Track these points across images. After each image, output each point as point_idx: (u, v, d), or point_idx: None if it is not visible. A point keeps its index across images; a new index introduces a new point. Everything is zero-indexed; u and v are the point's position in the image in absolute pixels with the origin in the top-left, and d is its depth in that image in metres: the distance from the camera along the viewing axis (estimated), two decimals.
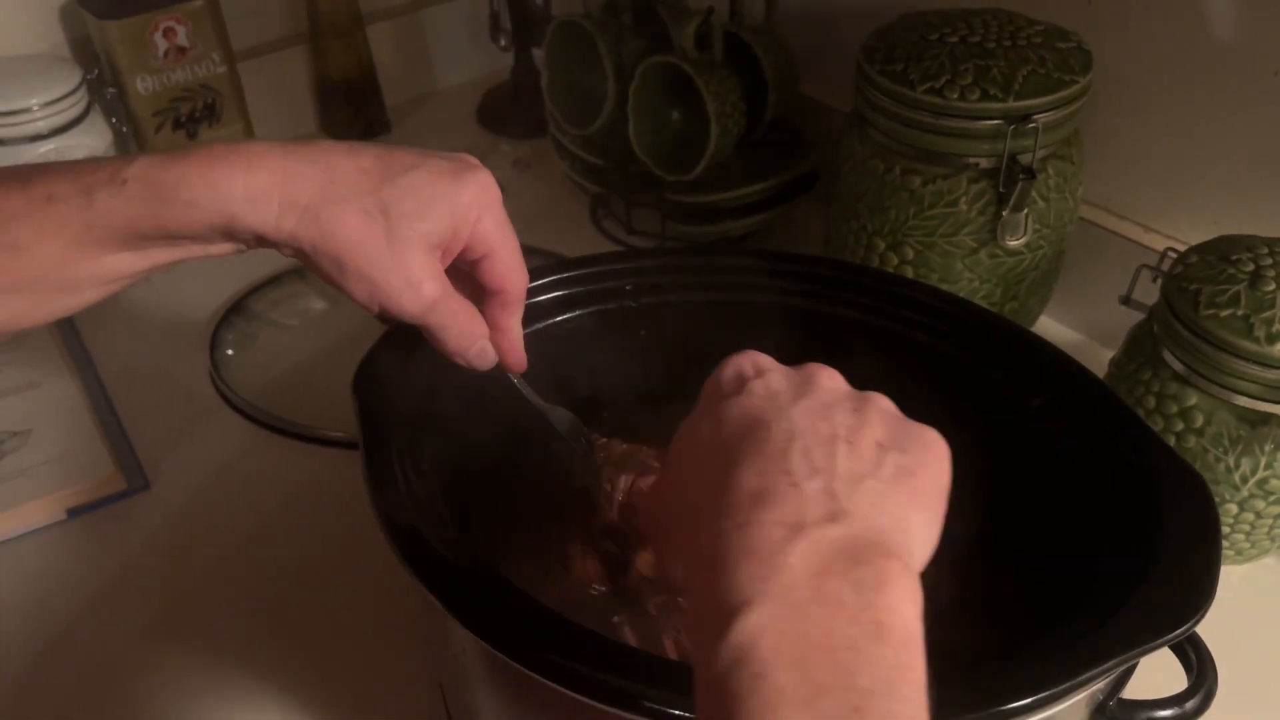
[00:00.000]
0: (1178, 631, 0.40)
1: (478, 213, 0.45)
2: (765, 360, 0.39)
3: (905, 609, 0.31)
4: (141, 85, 0.91)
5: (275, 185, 0.41)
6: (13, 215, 0.40)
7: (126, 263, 0.42)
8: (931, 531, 0.34)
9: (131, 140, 0.94)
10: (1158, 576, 0.42)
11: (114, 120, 0.90)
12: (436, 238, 0.44)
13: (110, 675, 0.60)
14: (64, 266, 0.41)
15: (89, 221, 0.40)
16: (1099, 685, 0.42)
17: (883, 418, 0.36)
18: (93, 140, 0.85)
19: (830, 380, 0.37)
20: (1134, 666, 0.44)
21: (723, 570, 0.31)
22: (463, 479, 0.54)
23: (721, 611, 0.30)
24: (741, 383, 0.37)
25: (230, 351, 0.83)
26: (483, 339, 0.48)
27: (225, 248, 0.44)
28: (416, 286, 0.44)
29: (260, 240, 0.43)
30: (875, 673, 0.29)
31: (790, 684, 0.28)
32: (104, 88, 0.91)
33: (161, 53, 0.90)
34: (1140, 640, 0.40)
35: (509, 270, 0.47)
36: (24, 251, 0.40)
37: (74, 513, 0.69)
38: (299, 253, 0.43)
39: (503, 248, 0.46)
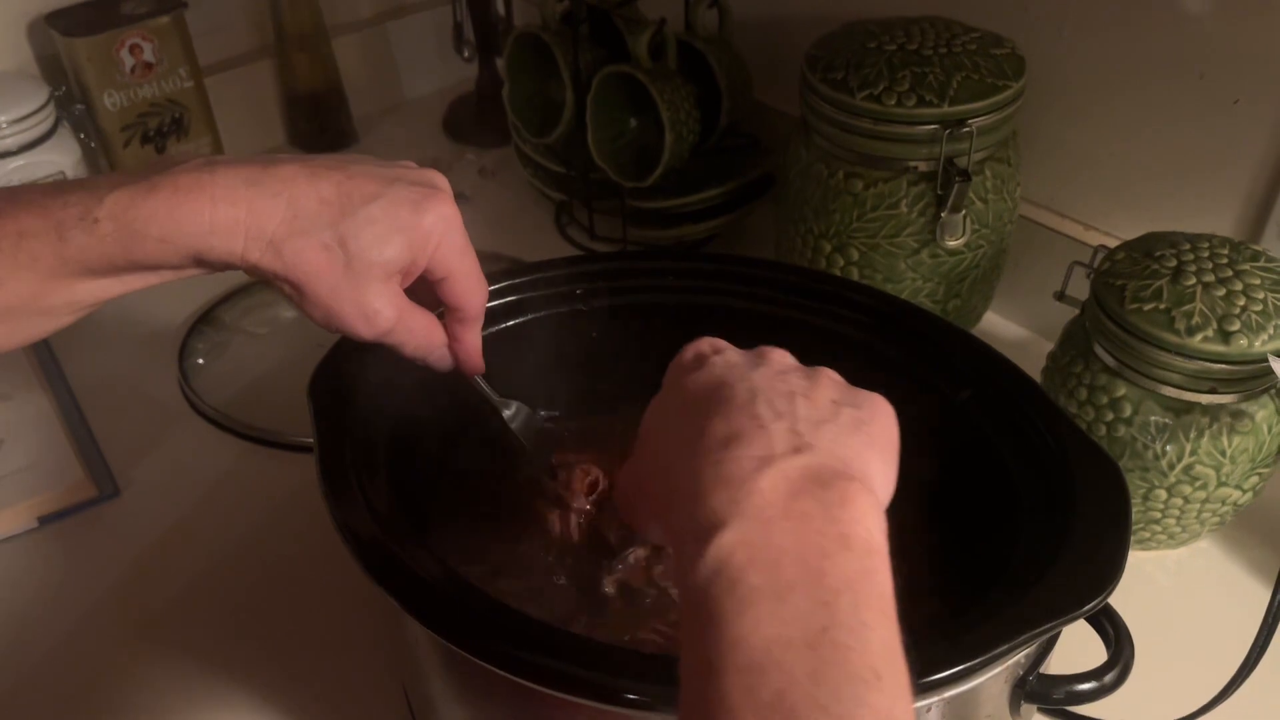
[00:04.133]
0: (1087, 606, 0.43)
1: (436, 241, 0.47)
2: (721, 342, 0.42)
3: (868, 522, 0.33)
4: (109, 101, 0.92)
5: (240, 219, 0.43)
6: None
7: (101, 289, 0.44)
8: (889, 474, 0.37)
9: (100, 155, 0.95)
10: (1071, 555, 0.45)
11: (82, 136, 0.92)
12: (395, 267, 0.46)
13: (82, 679, 0.62)
14: (39, 297, 0.43)
15: (62, 257, 0.42)
16: (1016, 659, 0.44)
17: (833, 383, 0.39)
18: (61, 156, 0.87)
19: (782, 356, 0.41)
20: (1052, 642, 0.47)
21: (700, 501, 0.34)
22: (418, 475, 0.57)
23: (699, 534, 0.33)
24: (702, 360, 0.41)
25: (200, 360, 0.85)
26: (440, 348, 0.51)
27: (197, 271, 0.45)
28: (371, 317, 0.46)
29: (229, 267, 0.45)
30: (841, 575, 0.32)
31: (763, 584, 0.31)
32: (72, 104, 0.92)
33: (128, 69, 0.92)
34: (1051, 615, 0.42)
35: (466, 291, 0.49)
36: None
37: (45, 520, 0.70)
38: (263, 277, 0.45)
39: (460, 272, 0.48)
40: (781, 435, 0.35)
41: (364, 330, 0.46)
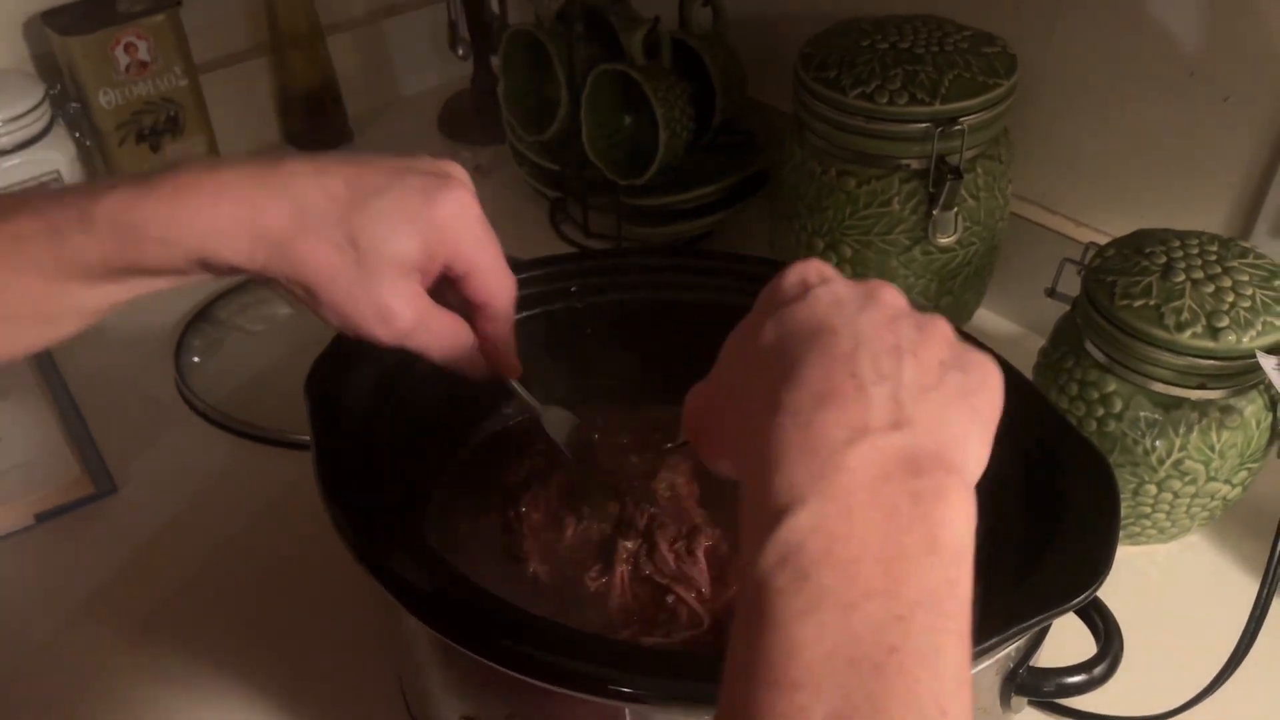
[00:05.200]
0: (1077, 600, 0.43)
1: (454, 233, 0.44)
2: (829, 269, 0.38)
3: (960, 524, 0.31)
4: (104, 99, 0.93)
5: (245, 219, 0.41)
6: None
7: (104, 295, 0.42)
8: (985, 451, 0.34)
9: (95, 153, 0.96)
10: (1061, 549, 0.45)
11: (78, 134, 0.92)
12: (410, 263, 0.43)
13: (79, 676, 0.62)
14: (40, 301, 0.41)
15: (61, 259, 0.40)
16: (1007, 652, 0.44)
17: (945, 337, 0.35)
18: (56, 154, 0.87)
19: (894, 296, 0.36)
20: (1043, 635, 0.47)
21: (779, 467, 0.30)
22: (415, 471, 0.57)
23: (773, 508, 0.30)
24: (805, 289, 0.36)
25: (197, 358, 0.85)
26: (470, 350, 0.47)
27: (202, 276, 0.43)
28: (389, 317, 0.43)
29: (234, 269, 0.43)
30: (924, 584, 0.29)
31: (835, 586, 0.28)
32: (67, 102, 0.92)
33: (124, 67, 0.92)
34: (1041, 608, 0.43)
35: (491, 286, 0.46)
36: None
37: (42, 517, 0.71)
38: (272, 280, 0.43)
39: (483, 265, 0.46)
40: (882, 403, 0.31)
41: (382, 332, 0.44)
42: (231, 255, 0.42)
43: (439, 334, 0.46)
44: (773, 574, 0.29)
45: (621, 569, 0.54)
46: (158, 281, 0.43)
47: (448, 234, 0.44)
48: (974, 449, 0.33)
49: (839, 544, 0.29)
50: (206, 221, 0.41)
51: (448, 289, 0.46)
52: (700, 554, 0.53)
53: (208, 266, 0.42)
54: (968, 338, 0.39)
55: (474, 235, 0.45)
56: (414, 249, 0.43)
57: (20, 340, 0.43)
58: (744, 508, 0.32)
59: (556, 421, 0.54)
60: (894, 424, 0.31)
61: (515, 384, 0.51)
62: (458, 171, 0.45)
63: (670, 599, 0.52)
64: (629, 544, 0.54)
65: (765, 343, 0.35)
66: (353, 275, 0.42)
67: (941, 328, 0.36)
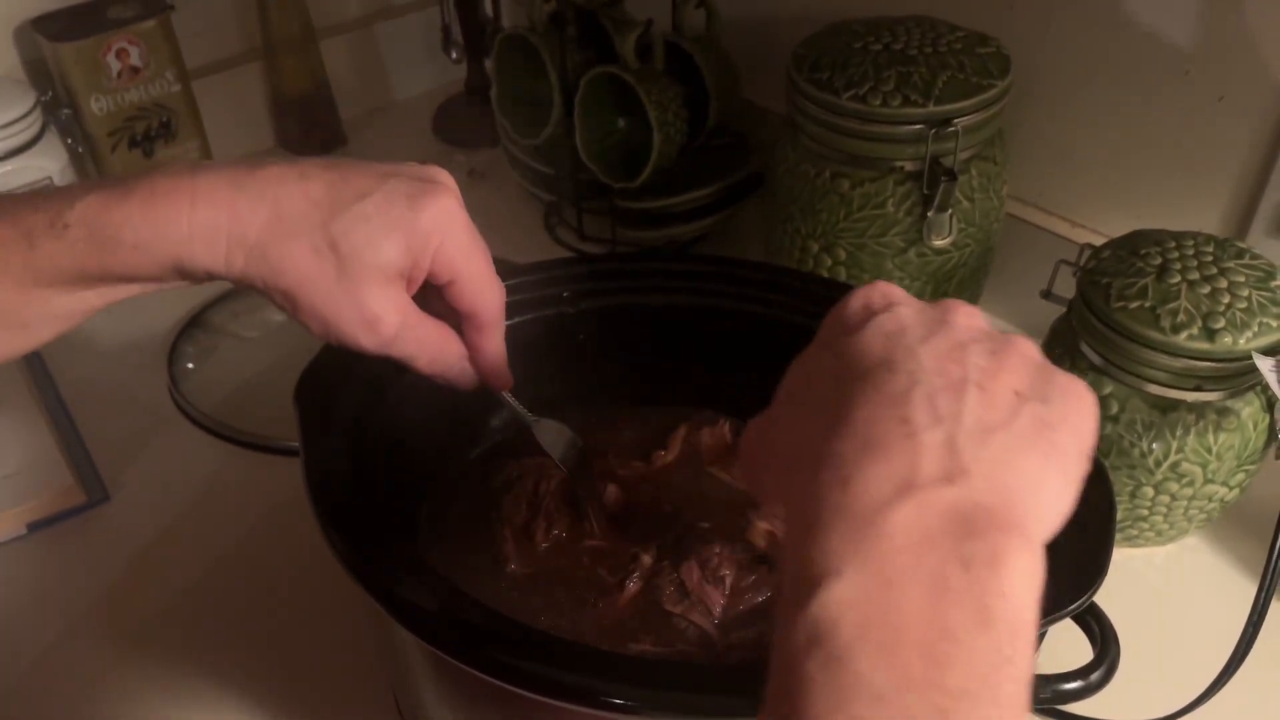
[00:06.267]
0: (1072, 606, 0.43)
1: (439, 239, 0.43)
2: (897, 292, 0.34)
3: (1019, 594, 0.27)
4: (96, 105, 0.92)
5: (222, 223, 0.40)
6: None
7: (79, 301, 0.41)
8: (1066, 496, 0.30)
9: (88, 160, 0.95)
10: (1056, 554, 0.44)
11: (70, 140, 0.92)
12: (393, 269, 0.42)
13: (72, 686, 0.62)
14: (13, 308, 0.40)
15: (33, 266, 0.39)
16: None
17: (1023, 363, 0.32)
18: (48, 161, 0.87)
19: (968, 318, 0.33)
20: (1038, 641, 0.47)
21: (815, 530, 0.28)
22: (407, 479, 0.57)
23: (806, 578, 0.27)
24: (868, 316, 0.33)
25: (190, 365, 0.85)
26: (459, 361, 0.47)
27: (179, 282, 0.42)
28: (372, 323, 0.42)
29: (212, 276, 0.42)
30: (972, 668, 0.26)
31: (869, 672, 0.25)
32: (59, 109, 0.92)
33: (115, 73, 0.92)
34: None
35: (478, 293, 0.45)
36: None
37: (34, 527, 0.70)
38: (252, 288, 0.42)
39: (468, 272, 0.44)
40: (933, 451, 0.28)
41: (366, 339, 0.43)
42: (208, 261, 0.40)
43: (425, 342, 0.45)
44: (803, 656, 0.26)
45: (633, 584, 0.53)
46: (131, 288, 0.42)
47: (432, 240, 0.43)
48: (1048, 497, 0.30)
49: (876, 622, 0.26)
50: (182, 227, 0.40)
51: (435, 298, 0.45)
52: (728, 582, 0.52)
53: (184, 274, 0.41)
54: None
55: (459, 242, 0.44)
56: (397, 255, 0.42)
57: None
58: (782, 569, 0.29)
59: (550, 434, 0.53)
60: (946, 476, 0.28)
61: (507, 396, 0.50)
62: (444, 177, 0.44)
63: (677, 618, 0.52)
64: (646, 559, 0.53)
65: (820, 379, 0.33)
66: (333, 280, 0.41)
67: (1022, 350, 0.32)
